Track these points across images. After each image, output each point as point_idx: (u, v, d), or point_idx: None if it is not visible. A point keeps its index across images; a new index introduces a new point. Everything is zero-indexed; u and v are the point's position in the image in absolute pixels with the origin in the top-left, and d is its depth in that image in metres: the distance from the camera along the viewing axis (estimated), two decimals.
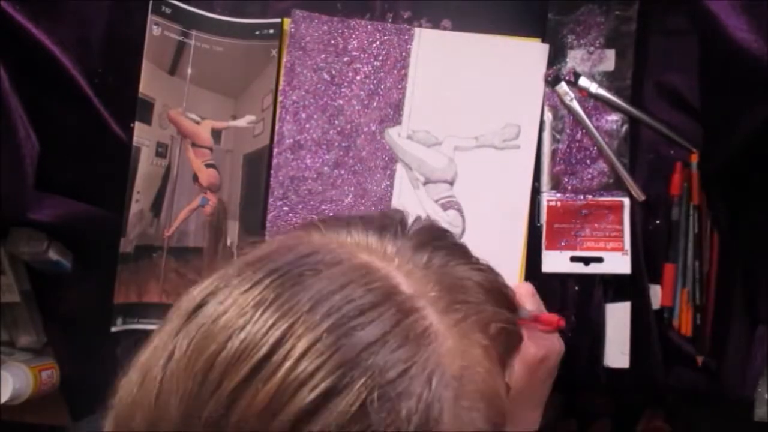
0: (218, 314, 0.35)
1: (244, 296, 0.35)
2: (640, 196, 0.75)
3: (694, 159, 0.75)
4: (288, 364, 0.32)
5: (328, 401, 0.32)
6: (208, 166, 0.80)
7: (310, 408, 0.32)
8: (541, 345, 0.63)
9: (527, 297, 0.66)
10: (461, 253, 0.44)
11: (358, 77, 0.78)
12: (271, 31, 0.79)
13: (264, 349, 0.33)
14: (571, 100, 0.75)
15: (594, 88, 0.76)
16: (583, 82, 0.76)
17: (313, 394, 0.32)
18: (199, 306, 0.36)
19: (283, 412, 0.31)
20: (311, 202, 0.78)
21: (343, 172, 0.78)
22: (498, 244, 0.76)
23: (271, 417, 0.31)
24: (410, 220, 0.45)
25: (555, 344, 0.63)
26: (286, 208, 0.78)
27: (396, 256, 0.40)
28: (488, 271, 0.44)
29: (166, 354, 0.35)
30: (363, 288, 0.36)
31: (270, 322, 0.34)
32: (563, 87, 0.75)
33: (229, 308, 0.35)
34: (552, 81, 0.76)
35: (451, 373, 0.36)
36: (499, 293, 0.43)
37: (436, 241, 0.43)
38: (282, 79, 0.79)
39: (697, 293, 0.74)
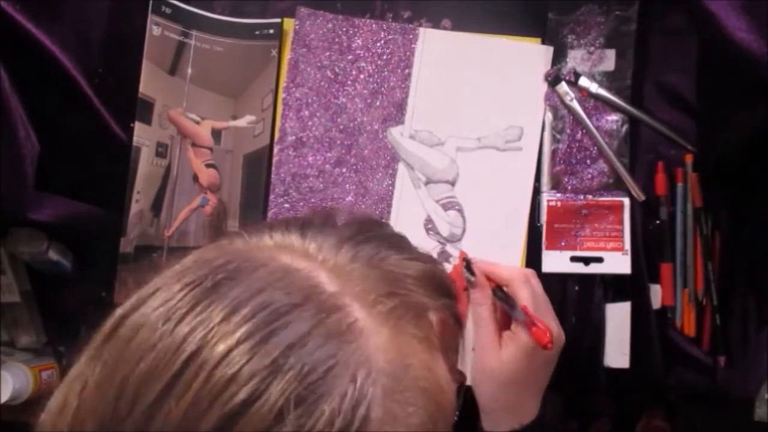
0: (131, 335, 0.34)
1: (156, 312, 0.34)
2: (640, 196, 0.75)
3: (689, 159, 0.75)
4: (202, 376, 0.31)
5: (245, 410, 0.31)
6: (208, 166, 0.80)
7: (228, 418, 0.31)
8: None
9: (522, 286, 0.64)
10: (394, 244, 0.42)
11: (361, 76, 0.78)
12: (271, 31, 0.79)
13: (177, 365, 0.32)
14: (572, 100, 0.76)
15: (594, 88, 0.76)
16: (583, 82, 0.76)
17: (228, 405, 0.31)
18: (115, 327, 0.35)
19: (201, 424, 0.31)
20: (312, 200, 0.78)
21: (344, 170, 0.78)
22: (498, 244, 0.76)
23: (191, 428, 0.31)
24: (342, 217, 0.44)
25: (554, 331, 0.62)
26: (287, 205, 0.78)
27: (319, 254, 0.39)
28: (426, 260, 0.43)
29: (82, 379, 0.34)
30: (281, 291, 0.35)
31: (182, 335, 0.33)
32: (563, 87, 0.75)
33: (141, 327, 0.34)
34: (552, 81, 0.76)
35: (380, 368, 0.35)
36: (435, 282, 0.42)
37: (365, 233, 0.42)
38: (285, 75, 0.79)
39: (700, 293, 0.74)
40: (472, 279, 0.64)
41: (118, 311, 0.36)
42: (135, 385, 0.32)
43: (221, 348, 0.32)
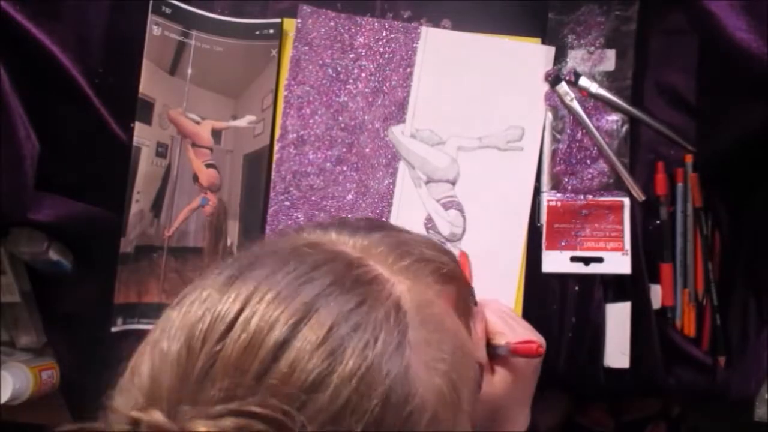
0: (196, 301, 0.38)
1: (212, 284, 0.39)
2: (640, 196, 0.75)
3: (689, 159, 0.75)
4: (256, 316, 0.36)
5: (293, 337, 0.35)
6: (208, 166, 0.80)
7: (277, 347, 0.35)
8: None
9: (499, 321, 0.65)
10: (401, 230, 0.49)
11: (363, 74, 0.78)
12: (271, 31, 0.79)
13: (233, 312, 0.36)
14: (572, 100, 0.76)
15: (594, 88, 0.76)
16: (584, 82, 0.76)
17: (278, 332, 0.35)
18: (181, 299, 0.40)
19: (257, 356, 0.35)
20: (313, 198, 0.78)
21: (345, 168, 0.78)
22: (498, 244, 0.76)
23: (249, 360, 0.35)
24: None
25: (536, 337, 0.63)
26: (287, 203, 0.78)
27: (339, 237, 0.45)
28: (431, 240, 0.49)
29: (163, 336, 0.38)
30: (311, 256, 0.40)
31: (235, 292, 0.37)
32: (563, 87, 0.75)
33: (204, 298, 0.38)
34: (552, 81, 0.76)
35: (407, 308, 0.40)
36: (443, 249, 0.48)
37: (377, 226, 0.48)
38: (287, 73, 0.79)
39: (700, 293, 0.74)
40: (474, 309, 0.65)
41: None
42: (204, 331, 0.36)
43: (272, 292, 0.37)
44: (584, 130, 0.76)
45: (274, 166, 0.78)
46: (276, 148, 0.79)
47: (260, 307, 0.36)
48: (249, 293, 0.37)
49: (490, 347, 0.64)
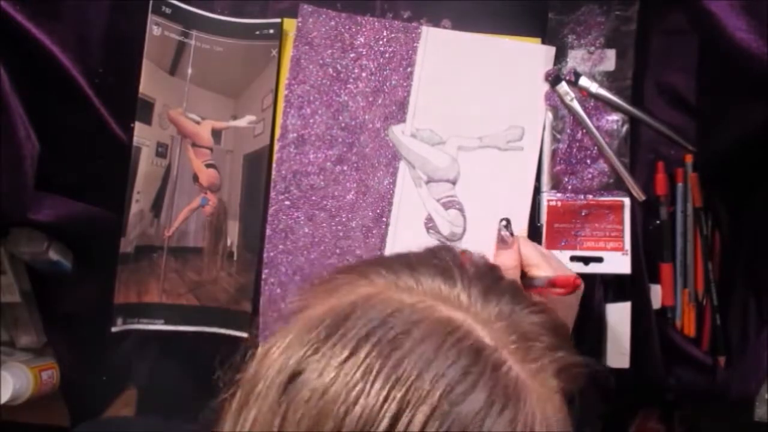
0: (324, 387, 0.35)
1: (345, 366, 0.36)
2: (641, 196, 0.75)
3: (689, 159, 0.75)
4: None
5: None
6: (208, 166, 0.80)
7: None
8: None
9: (536, 253, 0.67)
10: (519, 294, 0.45)
11: (363, 74, 0.78)
12: (271, 31, 0.79)
13: (385, 423, 0.34)
14: (572, 100, 0.75)
15: (594, 88, 0.76)
16: (584, 81, 0.76)
17: None
18: (294, 375, 0.36)
19: None
20: (313, 197, 0.78)
21: (345, 168, 0.78)
22: None
23: None
24: (464, 257, 0.46)
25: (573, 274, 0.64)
26: (287, 203, 0.78)
27: (471, 305, 0.41)
28: (546, 311, 0.45)
29: (273, 430, 0.35)
30: (455, 348, 0.37)
31: (384, 393, 0.34)
32: (564, 87, 0.75)
33: (334, 380, 0.35)
34: (552, 81, 0.76)
35: (540, 421, 0.38)
36: (561, 334, 0.44)
37: (497, 283, 0.44)
38: (287, 72, 0.79)
39: (700, 293, 0.74)
40: (511, 239, 0.68)
41: (278, 354, 0.38)
42: None
43: (426, 406, 0.34)
44: (584, 130, 0.76)
45: (274, 165, 0.78)
46: (276, 147, 0.79)
47: (415, 423, 0.34)
48: (400, 400, 0.35)
49: (527, 278, 0.65)
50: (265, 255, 0.78)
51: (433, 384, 0.35)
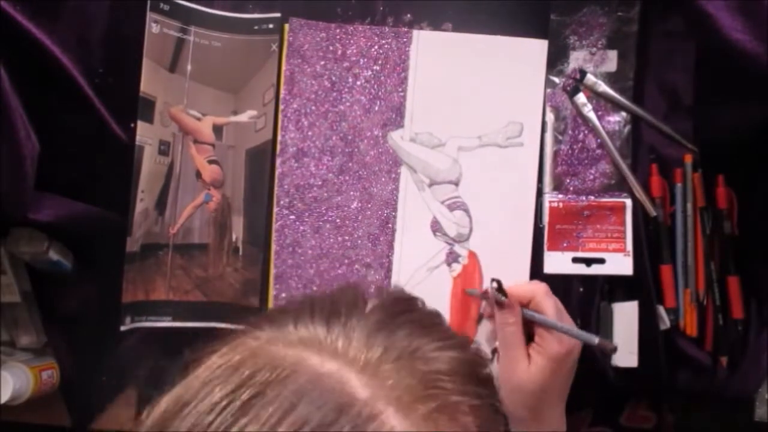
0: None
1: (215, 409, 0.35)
2: (652, 212, 0.75)
3: (688, 159, 0.75)
4: None
5: None
6: (210, 162, 0.80)
7: None
8: (565, 341, 0.66)
9: (545, 298, 0.69)
10: (426, 327, 0.41)
11: (358, 82, 0.78)
12: (271, 25, 0.79)
13: None
14: (589, 111, 0.75)
15: (601, 87, 0.75)
16: (589, 80, 0.75)
17: None
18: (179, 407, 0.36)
19: None
20: (317, 210, 0.78)
21: (347, 177, 0.78)
22: (507, 242, 0.76)
23: None
24: (369, 299, 0.42)
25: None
26: (292, 217, 0.78)
27: (349, 350, 0.37)
28: (459, 345, 0.41)
29: None
30: (313, 406, 0.34)
31: None
32: (581, 98, 0.75)
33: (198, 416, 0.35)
34: (571, 91, 0.76)
35: None
36: (471, 373, 0.40)
37: (398, 317, 0.40)
38: (282, 88, 0.79)
39: (701, 293, 0.74)
40: (504, 300, 0.68)
41: (149, 421, 0.37)
42: None
43: None
44: (586, 132, 0.76)
45: (276, 181, 0.78)
46: (277, 163, 0.79)
47: None
48: None
49: (538, 318, 0.68)
50: (274, 271, 0.78)
51: None
